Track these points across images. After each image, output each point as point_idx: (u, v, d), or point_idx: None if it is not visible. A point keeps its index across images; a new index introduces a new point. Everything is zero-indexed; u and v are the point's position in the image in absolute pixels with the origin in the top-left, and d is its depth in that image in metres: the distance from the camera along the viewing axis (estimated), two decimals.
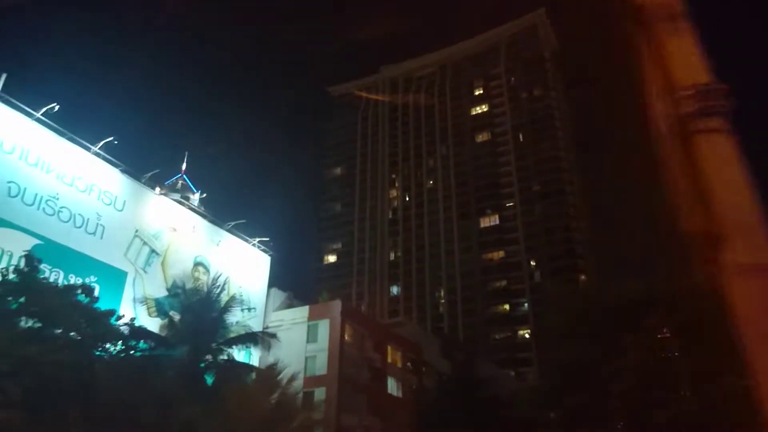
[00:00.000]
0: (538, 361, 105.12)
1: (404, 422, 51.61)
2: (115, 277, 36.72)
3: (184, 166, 43.84)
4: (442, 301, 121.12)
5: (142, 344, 23.43)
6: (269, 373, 24.21)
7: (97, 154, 37.59)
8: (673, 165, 8.88)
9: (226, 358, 24.08)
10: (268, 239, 47.48)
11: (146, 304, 36.41)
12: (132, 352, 22.89)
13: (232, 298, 26.33)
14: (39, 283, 22.38)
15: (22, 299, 21.22)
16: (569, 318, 37.63)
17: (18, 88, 34.96)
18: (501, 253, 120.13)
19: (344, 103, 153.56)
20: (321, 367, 47.68)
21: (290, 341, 40.57)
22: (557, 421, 45.69)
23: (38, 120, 34.61)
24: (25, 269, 22.34)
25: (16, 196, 32.86)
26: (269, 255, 49.17)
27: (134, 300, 33.54)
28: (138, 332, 23.82)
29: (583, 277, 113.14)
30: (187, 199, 42.69)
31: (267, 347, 24.83)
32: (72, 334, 20.97)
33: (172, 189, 42.70)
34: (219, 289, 25.03)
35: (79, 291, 22.63)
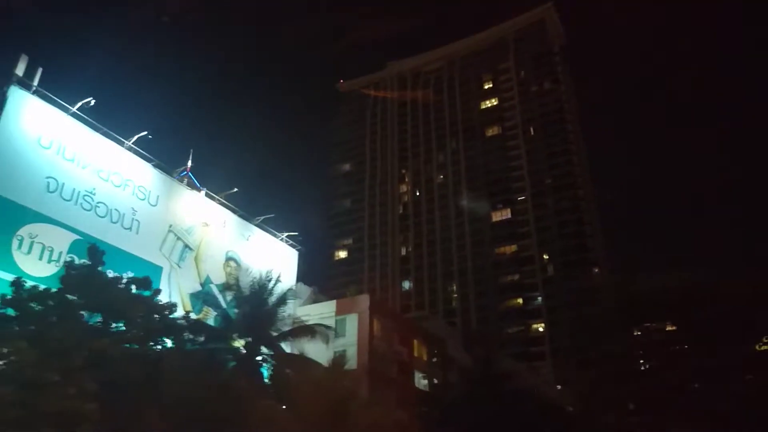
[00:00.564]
0: (552, 355, 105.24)
1: (432, 416, 51.47)
2: (151, 272, 36.25)
3: (189, 163, 43.27)
4: (455, 295, 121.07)
5: (195, 337, 23.17)
6: (338, 364, 24.01)
7: (130, 149, 37.31)
8: None
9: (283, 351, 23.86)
10: (296, 233, 47.22)
11: (181, 298, 36.28)
12: (188, 345, 22.67)
13: (289, 291, 26.13)
14: (101, 276, 22.16)
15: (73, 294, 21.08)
16: (607, 310, 37.62)
17: (50, 81, 34.61)
18: (513, 247, 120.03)
19: (352, 99, 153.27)
20: (350, 361, 47.45)
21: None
22: (591, 413, 45.68)
23: (73, 114, 34.34)
24: (89, 262, 22.15)
25: (54, 191, 32.60)
26: (297, 250, 48.93)
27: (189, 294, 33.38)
28: (195, 325, 23.60)
29: (596, 270, 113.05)
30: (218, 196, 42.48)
31: (326, 340, 24.61)
32: (134, 327, 20.74)
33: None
34: (273, 282, 24.84)
35: (136, 284, 22.43)
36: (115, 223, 35.47)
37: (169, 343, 21.97)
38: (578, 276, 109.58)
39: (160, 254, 37.70)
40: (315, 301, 52.14)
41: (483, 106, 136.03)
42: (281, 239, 47.47)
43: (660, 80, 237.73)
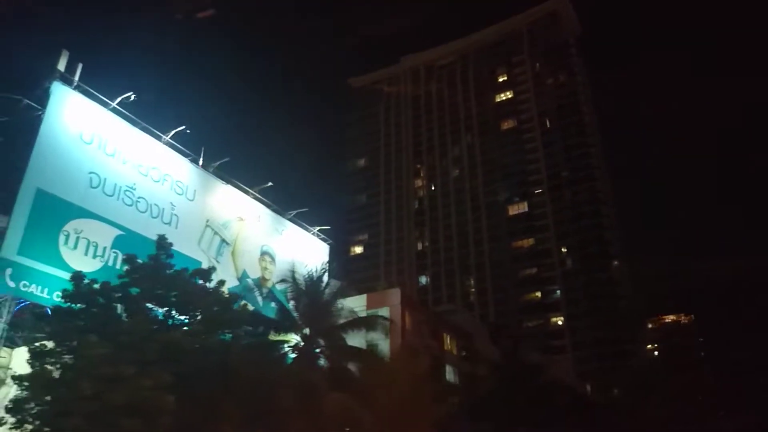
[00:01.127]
0: (573, 348, 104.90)
1: (463, 410, 51.33)
2: (191, 267, 36.39)
3: (201, 161, 43.03)
4: (473, 290, 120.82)
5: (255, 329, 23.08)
6: (404, 354, 23.83)
7: (167, 144, 37.26)
8: None
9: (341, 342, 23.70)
10: (328, 227, 47.12)
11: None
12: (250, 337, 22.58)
13: (341, 284, 25.99)
14: (167, 268, 22.11)
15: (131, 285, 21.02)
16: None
17: (88, 76, 34.52)
18: (531, 241, 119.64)
19: (365, 94, 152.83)
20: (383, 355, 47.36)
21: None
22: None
23: (112, 109, 34.28)
24: (158, 254, 22.12)
25: (97, 187, 32.56)
26: (328, 244, 48.84)
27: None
28: (255, 317, 23.50)
29: (615, 262, 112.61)
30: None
31: (385, 332, 24.47)
32: (203, 318, 20.63)
33: None
34: (326, 275, 24.71)
35: (199, 276, 22.37)
36: (155, 218, 35.44)
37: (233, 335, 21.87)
38: (597, 268, 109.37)
39: (198, 249, 37.65)
40: (343, 296, 52.02)
41: (498, 99, 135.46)
42: (313, 233, 47.37)
43: (676, 68, 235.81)
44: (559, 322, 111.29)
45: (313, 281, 24.74)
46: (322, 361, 22.97)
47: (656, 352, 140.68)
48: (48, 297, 28.83)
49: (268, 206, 43.80)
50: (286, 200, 46.17)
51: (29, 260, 28.33)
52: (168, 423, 17.11)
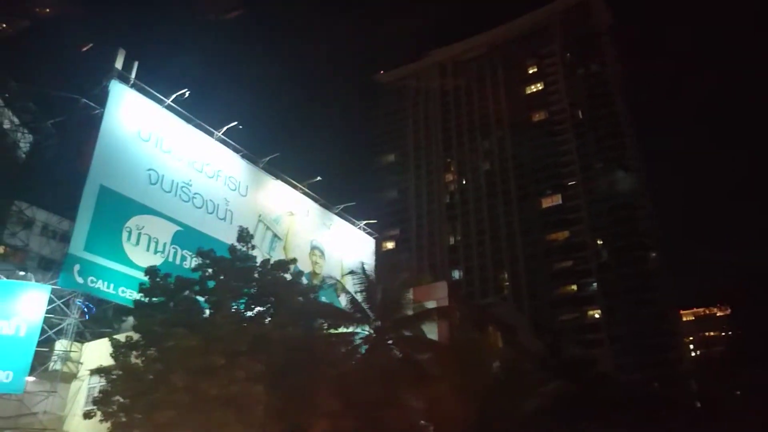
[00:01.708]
0: (612, 341, 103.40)
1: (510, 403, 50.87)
2: None
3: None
4: (506, 284, 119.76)
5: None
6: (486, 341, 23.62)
7: (219, 140, 37.44)
8: None
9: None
10: (375, 221, 46.98)
11: None
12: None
13: (419, 276, 25.86)
14: (247, 261, 22.17)
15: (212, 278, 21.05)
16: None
17: (141, 73, 34.75)
18: (565, 234, 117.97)
19: (393, 89, 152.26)
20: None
21: None
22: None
23: (167, 106, 34.53)
24: (243, 247, 22.24)
25: (155, 183, 32.88)
26: (374, 238, 48.74)
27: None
28: (326, 308, 23.42)
29: (653, 254, 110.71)
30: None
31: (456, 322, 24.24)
32: (286, 310, 20.60)
33: None
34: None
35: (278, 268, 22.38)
36: (210, 214, 35.73)
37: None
38: (634, 260, 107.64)
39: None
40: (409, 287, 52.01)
41: (528, 91, 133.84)
42: (359, 227, 47.29)
43: (712, 57, 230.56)
44: (596, 315, 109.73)
45: (385, 273, 24.57)
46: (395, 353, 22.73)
47: (691, 345, 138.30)
48: (113, 292, 29.20)
49: (315, 200, 43.82)
50: (329, 195, 46.12)
51: (95, 256, 28.71)
52: (260, 414, 17.08)
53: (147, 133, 33.05)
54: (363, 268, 23.04)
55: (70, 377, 27.01)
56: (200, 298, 20.63)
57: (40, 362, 25.97)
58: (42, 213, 36.38)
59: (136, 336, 19.40)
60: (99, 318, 29.87)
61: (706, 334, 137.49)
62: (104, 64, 32.40)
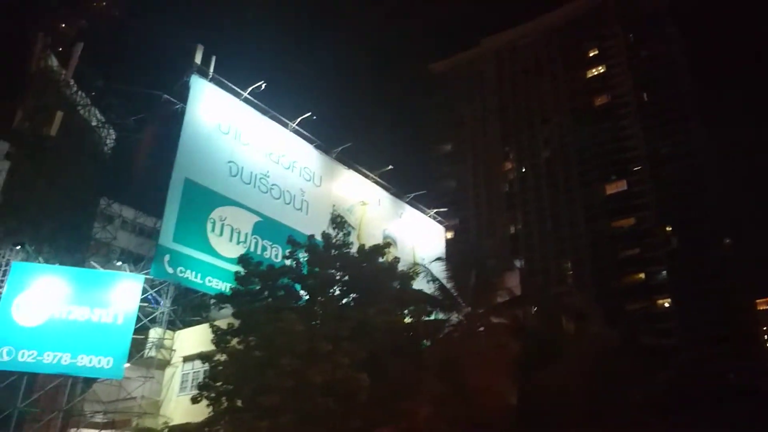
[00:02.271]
0: (684, 331, 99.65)
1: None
2: None
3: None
4: (570, 272, 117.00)
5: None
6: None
7: (294, 131, 37.80)
8: None
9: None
10: (445, 209, 46.55)
11: None
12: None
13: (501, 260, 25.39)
14: (348, 247, 22.32)
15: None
16: None
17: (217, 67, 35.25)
18: (631, 220, 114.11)
19: (447, 79, 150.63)
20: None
21: None
22: None
23: (244, 99, 35.06)
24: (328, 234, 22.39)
25: (236, 175, 33.54)
26: (444, 226, 48.34)
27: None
28: (415, 294, 23.27)
29: (727, 240, 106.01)
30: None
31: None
32: (387, 297, 20.60)
33: None
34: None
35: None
36: (288, 204, 36.20)
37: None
38: (706, 247, 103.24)
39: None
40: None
41: (589, 75, 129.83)
42: (430, 216, 47.00)
43: None
44: (666, 304, 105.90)
45: (473, 260, 24.20)
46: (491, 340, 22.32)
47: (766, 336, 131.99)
48: (201, 282, 29.93)
49: (387, 189, 43.77)
50: (400, 184, 45.95)
51: (183, 247, 29.51)
52: (362, 400, 17.08)
53: (226, 126, 33.69)
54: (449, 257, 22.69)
55: (164, 363, 27.88)
56: (297, 286, 20.81)
57: (136, 349, 26.89)
58: (125, 209, 37.67)
59: (236, 322, 19.72)
60: (192, 306, 30.71)
61: None
62: (183, 60, 33.11)
